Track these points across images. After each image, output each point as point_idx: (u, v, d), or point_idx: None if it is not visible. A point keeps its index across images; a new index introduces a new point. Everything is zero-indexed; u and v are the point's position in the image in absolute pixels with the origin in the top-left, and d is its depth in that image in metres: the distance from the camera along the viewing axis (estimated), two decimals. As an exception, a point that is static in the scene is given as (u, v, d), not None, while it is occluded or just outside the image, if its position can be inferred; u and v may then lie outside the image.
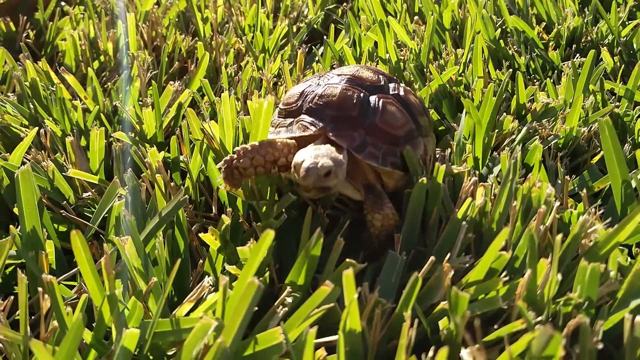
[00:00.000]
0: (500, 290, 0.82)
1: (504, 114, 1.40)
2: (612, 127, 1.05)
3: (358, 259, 0.91)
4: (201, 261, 0.98)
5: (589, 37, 1.99)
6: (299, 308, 0.77)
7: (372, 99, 1.12)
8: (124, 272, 0.89)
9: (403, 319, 0.76)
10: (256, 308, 0.71)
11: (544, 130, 1.36)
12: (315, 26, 2.23)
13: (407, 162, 1.08)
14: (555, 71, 1.76)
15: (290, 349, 0.73)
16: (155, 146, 1.19)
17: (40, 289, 0.81)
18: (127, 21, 1.84)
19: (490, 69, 1.70)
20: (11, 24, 2.05)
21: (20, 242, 0.95)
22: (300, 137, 1.09)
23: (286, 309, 0.83)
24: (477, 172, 1.21)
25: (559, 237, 0.81)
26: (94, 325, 0.79)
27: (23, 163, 1.18)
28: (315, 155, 0.97)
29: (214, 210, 1.15)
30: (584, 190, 1.06)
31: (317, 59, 1.87)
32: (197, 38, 2.05)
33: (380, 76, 1.19)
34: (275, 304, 0.84)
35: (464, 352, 0.72)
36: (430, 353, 0.72)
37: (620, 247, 0.91)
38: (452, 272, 0.83)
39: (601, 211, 1.03)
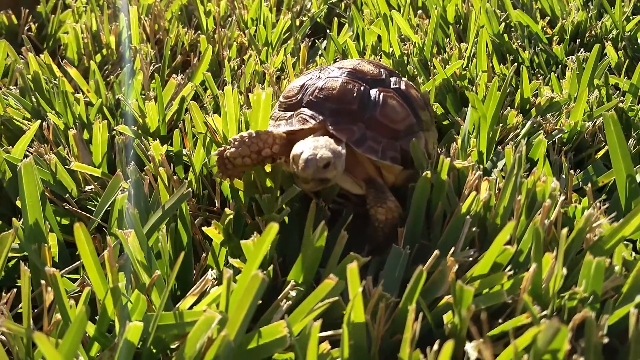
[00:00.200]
0: (505, 285, 0.81)
1: (508, 108, 1.39)
2: (617, 122, 1.05)
3: (362, 253, 0.91)
4: (204, 255, 0.98)
5: (593, 32, 1.98)
6: (302, 302, 0.77)
7: (373, 92, 1.11)
8: (126, 265, 0.89)
9: (407, 313, 0.76)
10: (260, 302, 0.70)
11: (548, 124, 1.36)
12: (318, 20, 2.23)
13: (412, 155, 1.08)
14: (560, 66, 1.76)
15: (294, 342, 0.73)
16: (158, 139, 1.19)
17: (43, 281, 0.81)
18: (130, 14, 1.83)
19: (494, 63, 1.70)
20: (13, 16, 2.04)
21: (23, 235, 0.95)
22: (300, 130, 1.08)
23: (290, 302, 0.83)
24: (481, 166, 1.21)
25: (565, 230, 0.80)
26: (97, 318, 0.79)
27: (25, 156, 1.18)
28: (314, 147, 0.97)
29: (216, 204, 1.15)
30: (589, 185, 1.05)
31: (320, 52, 1.87)
32: (199, 31, 2.04)
33: (382, 70, 1.18)
34: (279, 297, 0.83)
35: (469, 346, 0.71)
36: (435, 347, 0.72)
37: (625, 242, 0.91)
38: (457, 266, 0.82)
39: (606, 205, 1.02)
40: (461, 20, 2.08)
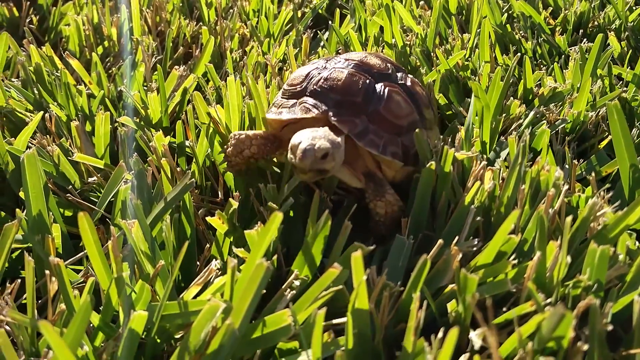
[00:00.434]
0: (509, 273, 0.81)
1: (511, 98, 1.39)
2: (620, 111, 1.05)
3: (365, 243, 0.91)
4: (208, 245, 0.98)
5: (595, 22, 1.98)
6: (307, 291, 0.77)
7: (378, 86, 1.11)
8: (130, 255, 0.89)
9: (411, 302, 0.76)
10: (263, 291, 0.70)
11: (551, 114, 1.36)
12: (320, 11, 2.22)
13: (416, 145, 1.07)
14: (562, 56, 1.75)
15: (299, 331, 0.73)
16: (161, 131, 1.18)
17: (47, 271, 0.81)
18: (131, 6, 1.83)
19: (496, 54, 1.69)
20: (14, 9, 2.04)
21: (27, 226, 0.95)
22: (302, 119, 1.08)
23: (294, 292, 0.83)
24: (484, 156, 1.21)
25: (569, 218, 0.80)
26: (101, 308, 0.79)
27: (28, 147, 1.18)
28: (313, 137, 0.97)
29: (220, 195, 1.15)
30: (592, 174, 1.05)
31: (322, 44, 1.86)
32: (201, 23, 2.04)
33: (389, 64, 1.18)
34: (283, 287, 0.83)
35: (473, 334, 0.71)
36: (440, 334, 0.72)
37: (629, 231, 0.91)
38: (460, 255, 0.82)
39: (609, 194, 1.02)
40: (463, 11, 2.07)
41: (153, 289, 0.84)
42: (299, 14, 2.14)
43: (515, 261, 0.81)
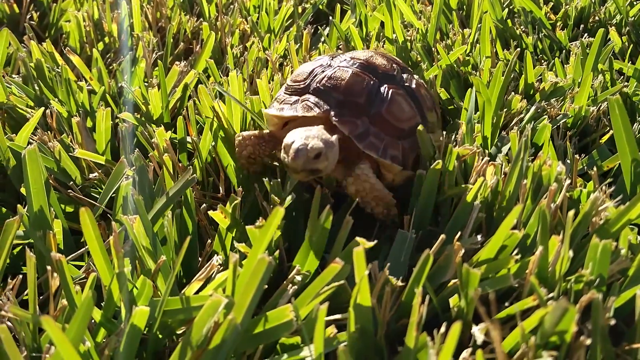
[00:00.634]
0: (512, 268, 0.81)
1: (512, 93, 1.39)
2: (622, 106, 1.05)
3: (367, 239, 0.91)
4: (209, 241, 0.98)
5: (596, 17, 1.97)
6: (309, 286, 0.77)
7: (382, 88, 1.09)
8: (131, 251, 0.89)
9: (413, 297, 0.76)
10: (265, 287, 0.70)
11: (552, 109, 1.36)
12: (320, 7, 2.22)
13: (420, 143, 1.07)
14: (563, 51, 1.75)
15: (301, 326, 0.73)
16: (162, 126, 1.18)
17: (49, 267, 0.81)
18: (132, 2, 1.83)
19: (497, 49, 1.69)
20: (15, 5, 2.04)
21: (28, 222, 0.95)
22: (303, 117, 1.08)
23: (296, 287, 0.83)
24: (486, 151, 1.21)
25: (571, 212, 0.80)
26: (102, 304, 0.79)
27: (29, 144, 1.18)
28: (306, 137, 0.96)
29: (221, 191, 1.15)
30: (594, 169, 1.05)
31: (323, 39, 1.86)
32: (201, 19, 2.03)
33: (394, 65, 1.17)
34: (285, 282, 0.83)
35: (476, 329, 0.71)
36: (442, 329, 0.72)
37: (631, 226, 0.91)
38: (463, 251, 0.82)
39: (611, 189, 1.02)
40: (464, 6, 2.07)
41: (155, 284, 0.84)
42: (300, 10, 2.14)
43: (518, 256, 0.81)
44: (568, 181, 0.94)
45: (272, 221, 0.74)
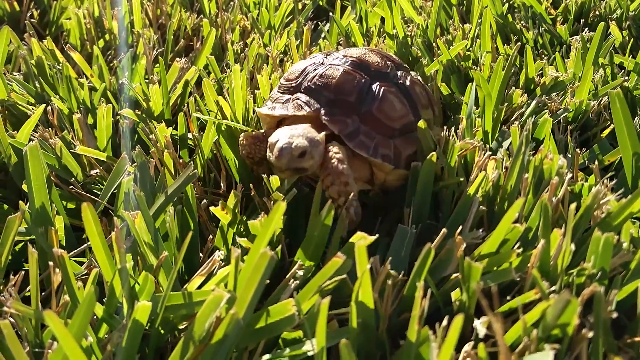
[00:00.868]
0: (514, 262, 0.81)
1: (513, 88, 1.39)
2: (623, 99, 1.04)
3: (368, 234, 0.91)
4: (211, 236, 0.97)
5: (597, 12, 1.97)
6: (310, 280, 0.77)
7: (374, 86, 1.09)
8: (133, 247, 0.89)
9: (414, 292, 0.76)
10: (267, 281, 0.70)
11: (553, 104, 1.35)
12: (320, 2, 2.22)
13: (420, 137, 1.07)
14: (564, 46, 1.75)
15: (303, 321, 0.73)
16: (163, 122, 1.18)
17: (51, 263, 0.81)
18: (132, -1, 1.83)
19: (498, 44, 1.69)
20: (15, 3, 2.04)
21: (30, 218, 0.95)
22: (294, 116, 1.08)
23: (297, 282, 0.83)
24: (487, 145, 1.21)
25: (573, 206, 0.80)
26: (104, 300, 0.79)
27: (30, 140, 1.18)
28: (291, 135, 0.96)
29: (222, 187, 1.15)
30: (595, 163, 1.05)
31: (323, 35, 1.86)
32: (202, 15, 2.03)
33: (388, 62, 1.16)
34: (287, 277, 0.83)
35: (478, 322, 0.71)
36: (444, 322, 0.72)
37: (632, 219, 0.91)
38: (464, 245, 0.82)
39: (613, 182, 1.02)
40: (464, 2, 2.07)
41: (156, 280, 0.84)
42: (300, 6, 2.14)
43: (520, 250, 0.81)
44: (569, 175, 0.94)
45: (274, 216, 0.74)
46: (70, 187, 1.10)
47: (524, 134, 0.98)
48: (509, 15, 1.87)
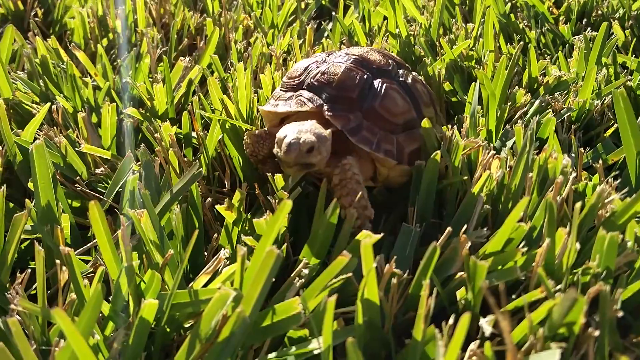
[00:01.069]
0: (519, 261, 0.81)
1: (516, 87, 1.39)
2: (626, 98, 1.05)
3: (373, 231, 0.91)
4: (215, 235, 0.98)
5: (599, 11, 1.97)
6: (316, 279, 0.77)
7: (376, 82, 1.09)
8: (138, 245, 0.89)
9: (420, 290, 0.76)
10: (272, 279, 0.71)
11: (556, 103, 1.36)
12: (323, 2, 2.22)
13: (424, 135, 1.07)
14: (567, 45, 1.75)
15: (309, 319, 0.73)
16: (168, 121, 1.19)
17: (58, 261, 0.81)
18: (135, -2, 1.83)
19: (501, 43, 1.69)
20: (19, 2, 2.04)
21: (36, 216, 0.95)
22: (297, 112, 1.08)
23: (302, 280, 0.83)
24: (490, 144, 1.21)
25: (579, 204, 0.80)
26: (109, 298, 0.79)
27: (35, 139, 1.18)
28: (299, 131, 0.96)
29: (226, 186, 1.15)
30: (599, 162, 1.05)
31: (326, 34, 1.86)
32: (205, 15, 2.03)
33: (390, 60, 1.16)
34: (292, 275, 0.83)
35: (483, 321, 0.72)
36: (451, 321, 0.72)
37: (637, 219, 0.91)
38: (469, 244, 0.82)
39: (617, 181, 1.02)
40: (467, 1, 2.07)
41: (162, 278, 0.85)
42: (303, 5, 2.14)
43: (524, 249, 0.81)
44: (574, 174, 0.94)
45: (280, 214, 0.74)
46: (76, 185, 1.10)
47: (528, 133, 0.98)
48: (511, 15, 1.87)
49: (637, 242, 0.86)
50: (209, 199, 1.06)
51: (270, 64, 1.58)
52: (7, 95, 1.35)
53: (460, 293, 0.82)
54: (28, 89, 1.42)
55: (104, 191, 1.10)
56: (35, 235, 0.98)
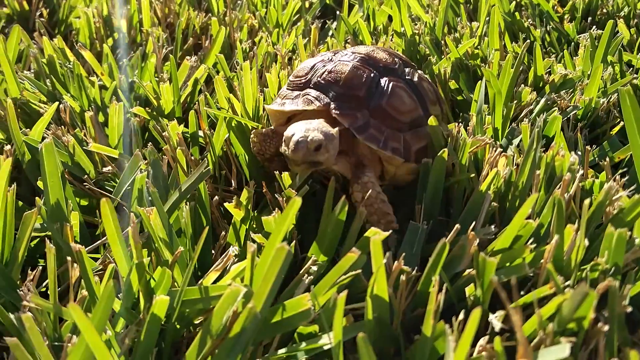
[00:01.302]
0: (527, 258, 0.82)
1: (522, 85, 1.39)
2: (632, 96, 1.05)
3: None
4: (223, 233, 0.98)
5: (604, 10, 1.97)
6: (325, 276, 0.77)
7: (382, 81, 1.09)
8: (147, 243, 0.89)
9: (429, 286, 0.77)
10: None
11: (562, 101, 1.36)
12: (327, 1, 2.22)
13: (431, 133, 1.07)
14: (572, 44, 1.75)
15: (319, 315, 0.74)
16: (175, 120, 1.19)
17: (69, 258, 0.82)
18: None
19: (506, 42, 1.70)
20: (24, 2, 2.04)
21: (45, 214, 0.95)
22: (304, 111, 1.08)
23: (311, 277, 0.83)
24: (497, 142, 1.21)
25: (587, 201, 0.81)
26: (119, 295, 0.80)
27: (43, 138, 1.18)
28: (306, 129, 0.97)
29: (233, 184, 1.16)
30: (606, 160, 1.05)
31: (331, 33, 1.86)
32: (210, 14, 2.04)
33: (396, 59, 1.16)
34: (301, 272, 0.84)
35: (493, 317, 0.72)
36: (461, 316, 0.72)
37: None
38: (477, 240, 0.83)
39: (625, 178, 1.02)
40: (471, 0, 2.07)
41: (172, 275, 0.85)
42: (307, 4, 2.14)
43: (533, 246, 0.82)
44: (581, 172, 0.95)
45: (289, 212, 0.74)
46: (84, 183, 1.11)
47: (535, 130, 0.99)
48: (516, 13, 1.87)
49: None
50: (216, 197, 1.06)
51: (276, 63, 1.58)
52: (15, 95, 1.36)
53: (469, 289, 0.82)
54: (35, 89, 1.43)
55: (112, 189, 1.10)
56: (44, 234, 0.98)
